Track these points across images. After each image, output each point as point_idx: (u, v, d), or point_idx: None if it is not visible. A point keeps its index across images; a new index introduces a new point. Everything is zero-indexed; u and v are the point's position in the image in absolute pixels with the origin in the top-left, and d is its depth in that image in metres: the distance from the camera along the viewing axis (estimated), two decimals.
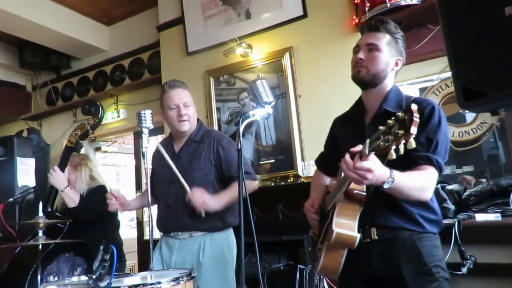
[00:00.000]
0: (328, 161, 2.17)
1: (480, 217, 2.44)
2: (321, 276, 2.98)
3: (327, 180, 2.18)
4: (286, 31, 4.10)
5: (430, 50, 3.41)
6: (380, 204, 1.75)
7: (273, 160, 4.02)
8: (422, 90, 3.60)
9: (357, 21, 3.55)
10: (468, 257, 2.21)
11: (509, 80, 0.99)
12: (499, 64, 1.01)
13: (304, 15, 3.98)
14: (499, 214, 2.42)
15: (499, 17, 0.99)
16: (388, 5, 3.24)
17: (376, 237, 1.76)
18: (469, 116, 3.33)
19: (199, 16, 4.64)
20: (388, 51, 1.85)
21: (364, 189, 1.65)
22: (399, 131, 1.24)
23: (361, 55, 1.86)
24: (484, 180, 3.26)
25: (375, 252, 1.77)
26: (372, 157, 1.42)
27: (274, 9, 4.15)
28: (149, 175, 2.71)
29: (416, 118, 1.20)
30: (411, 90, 3.70)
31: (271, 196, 3.70)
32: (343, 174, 1.66)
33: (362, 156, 1.42)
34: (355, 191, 1.64)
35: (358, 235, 1.65)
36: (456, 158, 3.51)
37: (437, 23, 3.15)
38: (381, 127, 1.32)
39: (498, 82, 1.01)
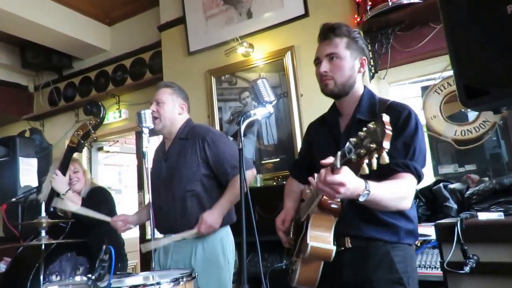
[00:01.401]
0: (303, 169, 2.09)
1: (482, 216, 2.43)
2: None
3: (302, 186, 2.10)
4: (288, 30, 4.09)
5: (432, 48, 3.41)
6: (354, 215, 1.69)
7: (275, 160, 4.01)
8: (424, 88, 3.59)
9: (358, 20, 3.55)
10: (470, 256, 2.20)
11: (510, 79, 0.98)
12: (501, 63, 1.01)
13: (306, 15, 3.97)
14: (501, 213, 2.42)
15: (501, 15, 0.99)
16: (390, 3, 3.23)
17: (350, 245, 1.72)
18: (472, 114, 3.32)
19: (200, 16, 4.63)
20: (350, 55, 1.81)
21: (339, 201, 1.59)
22: (371, 145, 1.16)
23: (323, 67, 1.81)
24: (486, 178, 3.26)
25: (346, 259, 1.72)
26: (345, 169, 1.34)
27: (275, 8, 4.14)
28: (149, 175, 2.71)
29: (389, 131, 1.13)
30: (413, 89, 3.70)
31: (273, 196, 3.68)
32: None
33: (333, 169, 1.34)
34: (329, 202, 1.58)
35: (334, 248, 1.59)
36: (459, 157, 3.50)
37: (439, 21, 3.14)
38: (351, 139, 1.24)
39: (500, 80, 1.01)
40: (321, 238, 1.59)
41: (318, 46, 1.89)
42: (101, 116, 3.16)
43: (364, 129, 1.20)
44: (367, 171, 1.21)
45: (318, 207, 1.59)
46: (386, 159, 1.16)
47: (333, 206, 1.58)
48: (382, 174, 1.53)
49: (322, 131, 1.98)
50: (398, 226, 1.69)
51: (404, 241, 1.71)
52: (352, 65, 1.81)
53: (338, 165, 1.30)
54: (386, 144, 1.13)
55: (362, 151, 1.19)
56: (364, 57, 1.86)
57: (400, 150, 1.63)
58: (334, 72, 1.80)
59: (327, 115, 2.02)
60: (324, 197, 1.55)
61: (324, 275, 1.68)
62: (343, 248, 1.71)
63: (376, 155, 1.17)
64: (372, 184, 1.44)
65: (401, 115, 1.69)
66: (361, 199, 1.42)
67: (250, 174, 2.61)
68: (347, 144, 1.25)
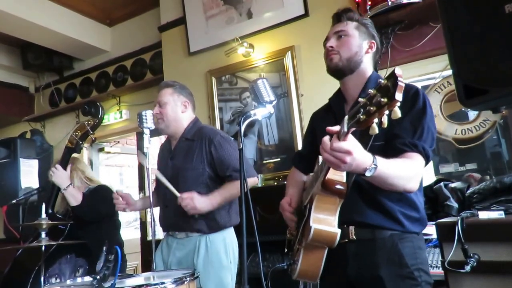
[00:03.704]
0: (306, 159, 2.01)
1: (483, 214, 2.43)
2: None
3: (305, 177, 2.01)
4: (288, 30, 4.09)
5: (432, 47, 3.40)
6: (358, 200, 1.64)
7: (276, 159, 4.01)
8: (424, 88, 3.58)
9: None
10: (471, 255, 2.20)
11: (509, 78, 0.98)
12: (499, 62, 1.01)
13: (306, 14, 3.98)
14: (502, 212, 2.41)
15: (499, 15, 0.99)
16: (389, 3, 3.22)
17: (354, 237, 1.64)
18: (472, 113, 3.31)
19: (200, 16, 4.64)
20: (358, 35, 1.80)
21: (344, 180, 1.47)
22: (382, 99, 1.07)
23: (330, 43, 1.81)
24: (487, 177, 3.26)
25: (351, 253, 1.66)
26: (351, 138, 1.27)
27: (276, 8, 4.15)
28: (151, 176, 2.71)
29: (401, 83, 1.03)
30: None
31: (274, 196, 3.66)
32: (320, 160, 1.55)
33: (340, 136, 1.26)
34: (334, 181, 1.45)
35: (339, 231, 1.49)
36: (459, 156, 3.50)
37: (439, 20, 3.13)
38: (360, 99, 1.15)
39: (498, 79, 1.01)
40: (325, 221, 1.50)
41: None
42: (99, 116, 3.16)
43: (374, 87, 1.12)
44: (376, 130, 1.12)
45: (322, 187, 1.48)
46: (398, 113, 1.07)
47: (338, 186, 1.46)
48: (388, 153, 1.50)
49: (327, 118, 1.91)
50: (403, 213, 1.64)
51: (411, 229, 1.65)
52: (359, 43, 1.79)
53: (345, 129, 1.22)
54: (399, 96, 1.04)
55: (372, 108, 1.10)
56: (374, 41, 1.84)
57: (407, 129, 1.58)
58: (340, 47, 1.79)
59: (332, 101, 1.97)
60: (328, 176, 1.45)
61: (327, 269, 1.59)
62: (346, 240, 1.64)
63: (387, 111, 1.08)
64: (379, 159, 1.37)
65: (408, 94, 1.63)
66: (367, 173, 1.35)
67: (252, 181, 2.59)
68: (355, 106, 1.17)
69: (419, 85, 3.62)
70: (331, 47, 1.80)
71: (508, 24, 0.98)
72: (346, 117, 1.23)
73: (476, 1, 1.07)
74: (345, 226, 1.64)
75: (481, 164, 3.44)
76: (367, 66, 1.82)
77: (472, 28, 1.07)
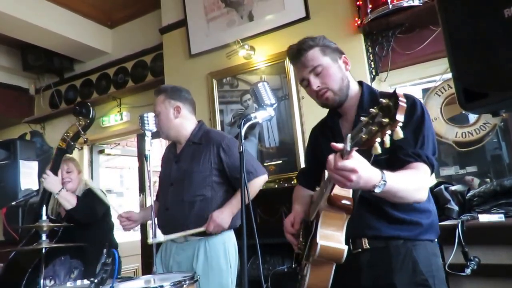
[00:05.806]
0: (310, 175, 2.00)
1: (483, 217, 2.44)
2: None
3: (310, 192, 1.99)
4: (289, 33, 4.09)
5: (433, 51, 3.41)
6: (368, 214, 1.62)
7: (277, 162, 4.01)
8: (425, 91, 3.59)
9: (359, 22, 3.56)
10: (471, 258, 2.21)
11: (509, 81, 0.99)
12: (499, 66, 1.01)
13: (307, 17, 3.97)
14: (502, 215, 2.42)
15: (499, 19, 0.99)
16: (390, 6, 3.24)
17: (368, 246, 1.63)
18: (472, 116, 3.32)
19: (201, 19, 4.64)
20: (330, 59, 1.77)
21: (350, 195, 1.46)
22: (384, 120, 1.06)
23: (315, 84, 1.76)
24: (488, 180, 3.26)
25: (364, 262, 1.63)
26: (356, 155, 1.25)
27: (277, 11, 4.15)
28: (152, 178, 2.71)
29: (403, 103, 1.03)
30: (414, 91, 3.69)
31: (275, 198, 3.70)
32: (326, 175, 1.54)
33: (343, 154, 1.25)
34: (340, 197, 1.45)
35: (345, 247, 1.47)
36: (460, 159, 3.51)
37: (439, 24, 3.13)
38: (362, 118, 1.14)
39: (498, 83, 1.01)
40: (332, 237, 1.48)
41: (295, 69, 1.87)
42: (90, 117, 3.13)
43: (375, 106, 1.10)
44: (379, 150, 1.11)
45: (328, 203, 1.46)
46: (400, 133, 1.06)
47: (344, 202, 1.45)
48: (393, 165, 1.49)
49: (325, 135, 1.92)
50: (416, 222, 1.62)
51: (425, 237, 1.63)
52: (337, 66, 1.78)
53: (348, 148, 1.20)
54: (400, 117, 1.03)
55: (373, 128, 1.09)
56: (344, 55, 1.83)
57: (409, 140, 1.56)
58: (327, 82, 1.75)
59: (328, 118, 1.96)
60: (334, 191, 1.44)
61: (338, 280, 1.56)
62: (360, 250, 1.63)
63: (389, 131, 1.07)
64: (388, 174, 1.35)
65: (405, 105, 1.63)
66: (377, 190, 1.33)
67: (263, 179, 2.59)
68: (358, 125, 1.17)
69: (419, 88, 3.65)
70: (318, 87, 1.76)
71: (507, 28, 0.98)
72: (349, 135, 1.22)
73: (475, 5, 1.07)
74: (357, 239, 1.63)
75: (482, 167, 3.44)
76: (352, 81, 1.83)
77: (472, 32, 1.07)
